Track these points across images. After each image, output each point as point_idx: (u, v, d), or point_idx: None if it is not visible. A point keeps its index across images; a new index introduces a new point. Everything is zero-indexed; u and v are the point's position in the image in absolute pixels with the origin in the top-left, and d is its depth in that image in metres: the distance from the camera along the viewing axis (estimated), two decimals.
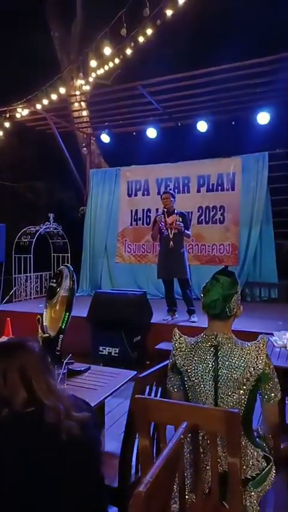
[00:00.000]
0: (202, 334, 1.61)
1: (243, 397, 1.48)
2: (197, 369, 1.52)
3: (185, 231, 4.72)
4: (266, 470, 1.50)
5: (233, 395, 1.48)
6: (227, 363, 1.49)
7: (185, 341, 1.61)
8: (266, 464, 1.51)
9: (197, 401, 1.52)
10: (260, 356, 1.48)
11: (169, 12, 4.67)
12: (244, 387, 1.47)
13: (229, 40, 7.49)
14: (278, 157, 6.57)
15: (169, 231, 4.69)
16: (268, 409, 1.55)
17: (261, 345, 1.51)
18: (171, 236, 4.68)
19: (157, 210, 7.10)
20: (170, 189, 6.84)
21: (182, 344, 1.60)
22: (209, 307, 1.57)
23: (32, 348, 1.16)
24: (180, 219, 4.70)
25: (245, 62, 5.27)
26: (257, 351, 1.49)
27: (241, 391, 1.48)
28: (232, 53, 5.58)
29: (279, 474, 2.31)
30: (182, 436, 1.09)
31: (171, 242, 4.67)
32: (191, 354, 1.56)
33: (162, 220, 4.72)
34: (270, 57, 5.16)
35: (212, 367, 1.51)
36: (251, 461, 1.49)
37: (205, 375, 1.51)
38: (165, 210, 4.79)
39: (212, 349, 1.53)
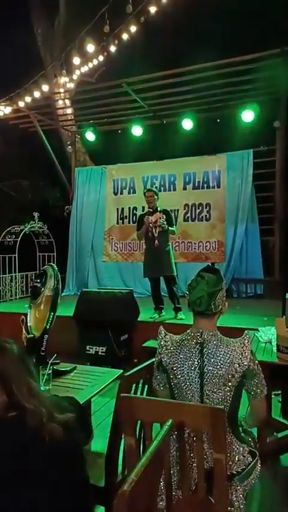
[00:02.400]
0: (187, 331, 1.61)
1: (228, 393, 1.49)
2: (182, 367, 1.52)
3: (169, 228, 4.66)
4: (251, 465, 1.51)
5: (219, 392, 1.48)
6: (212, 360, 1.50)
7: (170, 339, 1.61)
8: (251, 459, 1.53)
9: (183, 399, 1.53)
10: (245, 352, 1.49)
11: (153, 10, 4.66)
12: (229, 384, 1.48)
13: (213, 38, 7.51)
14: (263, 155, 6.63)
15: (154, 229, 4.65)
16: (255, 404, 1.56)
17: (246, 341, 1.52)
18: (156, 235, 4.64)
19: (143, 208, 7.11)
20: (156, 187, 6.85)
21: (168, 342, 1.60)
22: (194, 304, 1.57)
23: (10, 350, 1.14)
24: (164, 217, 4.65)
25: (229, 59, 5.30)
26: (242, 348, 1.50)
27: (226, 388, 1.48)
28: (216, 51, 5.61)
29: (264, 468, 2.34)
30: (166, 434, 1.09)
31: (156, 241, 4.62)
32: (177, 351, 1.56)
33: (150, 220, 4.64)
34: (253, 55, 5.21)
35: (197, 364, 1.51)
36: (236, 456, 1.50)
37: (191, 373, 1.51)
38: (151, 210, 4.76)
39: (197, 347, 1.53)
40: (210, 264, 1.69)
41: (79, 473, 1.12)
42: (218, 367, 1.48)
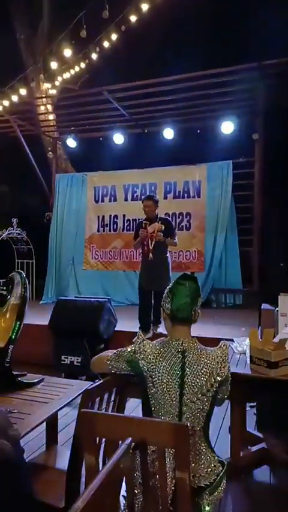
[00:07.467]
0: (166, 339, 1.56)
1: (206, 403, 1.48)
2: (162, 376, 1.48)
3: (168, 239, 4.24)
4: (220, 475, 1.49)
5: (198, 402, 1.46)
6: (194, 369, 1.47)
7: (149, 346, 1.54)
8: (221, 469, 1.51)
9: (160, 408, 1.49)
10: (225, 363, 1.50)
11: (133, 19, 4.69)
12: (208, 393, 1.47)
13: (194, 49, 7.62)
14: (242, 166, 6.71)
15: (149, 241, 4.15)
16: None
17: (225, 351, 1.53)
18: (151, 247, 4.15)
19: (124, 216, 7.07)
20: (137, 196, 6.82)
21: (147, 349, 1.53)
22: (177, 310, 1.54)
23: None
24: (163, 227, 4.21)
25: (208, 71, 5.37)
26: (222, 358, 1.51)
27: (205, 398, 1.47)
28: (197, 62, 5.69)
29: (236, 481, 2.29)
30: (124, 453, 1.03)
31: (150, 254, 4.16)
32: (157, 360, 1.50)
33: (144, 235, 4.18)
34: (231, 68, 5.29)
35: (178, 373, 1.47)
36: (208, 468, 1.48)
37: (171, 382, 1.47)
38: (147, 223, 4.23)
39: (179, 355, 1.50)
40: (189, 273, 1.67)
41: (25, 487, 1.07)
42: (199, 376, 1.46)
